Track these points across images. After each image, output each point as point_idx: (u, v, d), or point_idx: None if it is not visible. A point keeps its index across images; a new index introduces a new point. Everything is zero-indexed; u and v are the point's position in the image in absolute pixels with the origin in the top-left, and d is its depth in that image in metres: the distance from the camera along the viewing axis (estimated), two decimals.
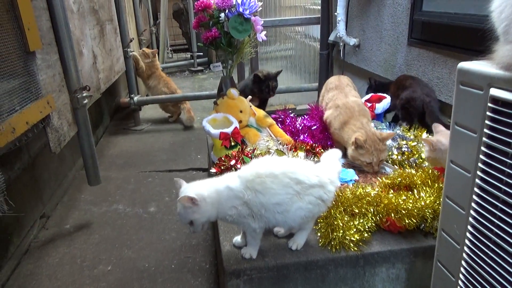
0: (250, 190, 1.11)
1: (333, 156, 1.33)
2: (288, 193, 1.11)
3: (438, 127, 1.56)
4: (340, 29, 2.91)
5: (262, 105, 2.46)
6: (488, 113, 0.82)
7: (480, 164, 0.85)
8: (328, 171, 1.22)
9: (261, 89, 2.37)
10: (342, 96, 1.88)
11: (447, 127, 2.14)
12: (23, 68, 1.62)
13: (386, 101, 2.16)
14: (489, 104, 0.81)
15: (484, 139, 0.83)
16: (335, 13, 2.94)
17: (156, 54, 4.08)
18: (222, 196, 1.12)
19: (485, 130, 0.83)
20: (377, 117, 2.13)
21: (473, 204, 0.89)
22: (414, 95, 1.92)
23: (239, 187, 1.12)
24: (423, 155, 1.58)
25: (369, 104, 2.12)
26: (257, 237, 1.20)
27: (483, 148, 0.84)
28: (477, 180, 0.87)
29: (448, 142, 1.42)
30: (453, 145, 0.94)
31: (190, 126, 3.87)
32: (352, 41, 2.83)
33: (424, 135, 1.82)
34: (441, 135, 1.50)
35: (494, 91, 0.80)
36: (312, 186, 1.13)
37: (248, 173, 1.13)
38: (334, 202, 1.33)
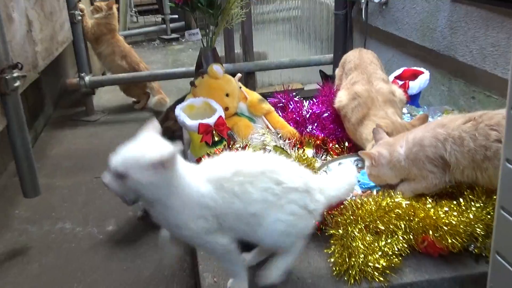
0: (227, 193, 1.10)
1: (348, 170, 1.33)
2: (266, 199, 1.12)
3: (378, 134, 1.54)
4: None
5: None
6: None
7: None
8: (321, 178, 1.24)
9: None
10: (363, 81, 1.85)
11: None
12: None
13: (424, 78, 2.15)
14: None
15: None
16: None
17: (114, 8, 3.94)
18: (188, 200, 1.10)
19: None
20: (411, 100, 2.12)
21: None
22: None
23: (212, 193, 1.11)
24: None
25: (400, 83, 2.10)
26: (236, 258, 1.19)
27: None
28: None
29: (388, 153, 1.43)
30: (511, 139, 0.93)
31: (161, 112, 3.85)
32: None
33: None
34: (382, 145, 1.50)
35: None
36: (295, 189, 1.14)
37: (224, 170, 1.13)
38: (352, 217, 1.33)
